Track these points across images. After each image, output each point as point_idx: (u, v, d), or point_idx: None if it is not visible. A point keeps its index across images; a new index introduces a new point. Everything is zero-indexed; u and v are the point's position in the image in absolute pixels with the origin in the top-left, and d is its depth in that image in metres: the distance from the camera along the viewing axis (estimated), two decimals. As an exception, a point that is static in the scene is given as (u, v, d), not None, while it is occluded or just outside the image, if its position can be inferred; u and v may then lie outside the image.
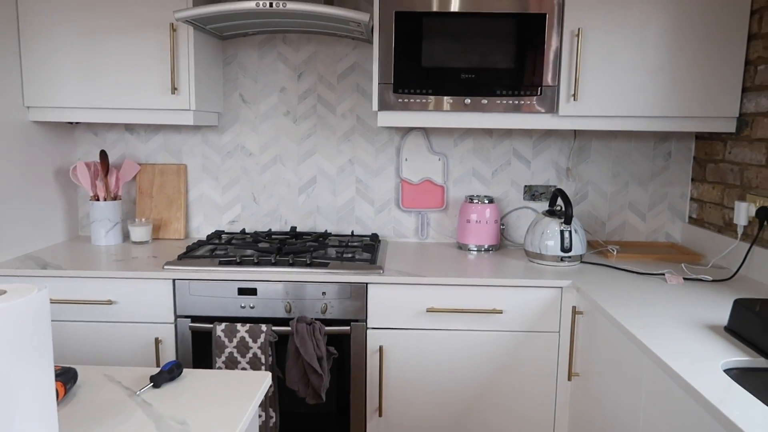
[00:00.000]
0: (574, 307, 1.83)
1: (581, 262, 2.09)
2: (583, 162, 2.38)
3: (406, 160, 2.40)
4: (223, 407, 1.02)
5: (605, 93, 1.99)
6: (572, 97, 1.99)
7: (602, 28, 1.96)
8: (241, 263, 1.92)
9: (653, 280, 1.86)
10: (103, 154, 2.30)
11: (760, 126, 1.91)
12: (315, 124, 2.40)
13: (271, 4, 1.88)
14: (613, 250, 2.17)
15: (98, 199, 2.28)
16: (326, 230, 2.45)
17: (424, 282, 1.86)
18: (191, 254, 2.02)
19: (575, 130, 2.36)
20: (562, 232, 2.02)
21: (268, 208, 2.45)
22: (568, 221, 2.02)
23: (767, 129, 1.88)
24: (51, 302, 1.90)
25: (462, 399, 1.92)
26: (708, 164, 2.23)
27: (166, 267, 1.90)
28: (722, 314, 1.53)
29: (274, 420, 1.86)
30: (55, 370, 1.06)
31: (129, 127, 2.43)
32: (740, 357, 1.24)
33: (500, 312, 1.86)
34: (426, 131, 2.39)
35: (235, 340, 1.84)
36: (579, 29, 1.94)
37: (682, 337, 1.36)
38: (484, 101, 2.00)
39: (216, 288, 1.89)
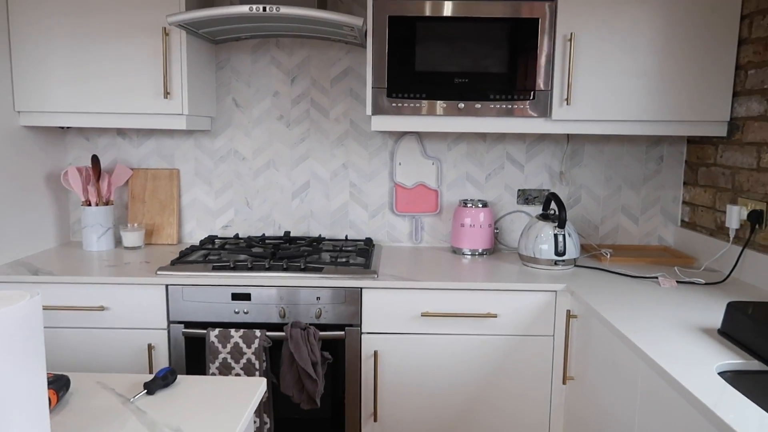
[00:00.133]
0: (568, 311, 1.83)
1: (575, 265, 2.09)
2: (576, 166, 2.39)
3: (400, 164, 2.40)
4: (218, 414, 1.01)
5: (598, 97, 2.00)
6: (565, 102, 1.99)
7: (594, 33, 1.97)
8: (234, 268, 1.91)
9: (647, 284, 1.87)
10: (95, 159, 2.28)
11: (750, 130, 1.93)
12: (308, 129, 2.40)
13: (264, 9, 1.88)
14: (607, 254, 2.18)
15: (90, 205, 2.26)
16: (320, 235, 2.44)
17: (418, 286, 1.86)
18: (184, 259, 2.01)
19: (568, 135, 2.36)
20: (555, 235, 2.02)
21: (261, 212, 2.45)
22: (561, 225, 2.03)
23: (758, 133, 1.89)
24: (43, 309, 1.88)
25: (457, 403, 1.92)
26: (700, 168, 2.25)
27: (158, 272, 1.89)
28: (715, 317, 1.54)
29: (268, 426, 1.85)
30: (48, 378, 1.05)
31: (121, 132, 2.42)
32: (734, 360, 1.25)
33: (495, 316, 1.86)
34: (420, 135, 2.39)
35: (228, 346, 1.83)
36: (571, 34, 1.95)
37: (676, 340, 1.37)
38: (478, 105, 2.00)
39: (209, 293, 1.88)
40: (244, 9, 1.88)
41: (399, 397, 1.92)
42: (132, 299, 1.88)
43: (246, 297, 1.88)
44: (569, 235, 2.04)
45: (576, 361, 1.81)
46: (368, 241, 2.35)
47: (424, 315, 1.86)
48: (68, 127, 2.38)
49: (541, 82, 2.00)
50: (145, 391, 1.07)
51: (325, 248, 2.22)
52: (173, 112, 2.06)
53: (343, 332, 1.87)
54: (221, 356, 1.83)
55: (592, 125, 2.03)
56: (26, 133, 2.16)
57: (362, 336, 1.89)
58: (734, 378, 1.23)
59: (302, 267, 1.91)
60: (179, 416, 1.00)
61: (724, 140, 2.08)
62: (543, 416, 1.92)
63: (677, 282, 1.88)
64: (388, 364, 1.90)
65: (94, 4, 2.01)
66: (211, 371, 1.84)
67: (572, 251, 2.03)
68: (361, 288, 1.87)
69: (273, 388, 1.89)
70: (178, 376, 1.15)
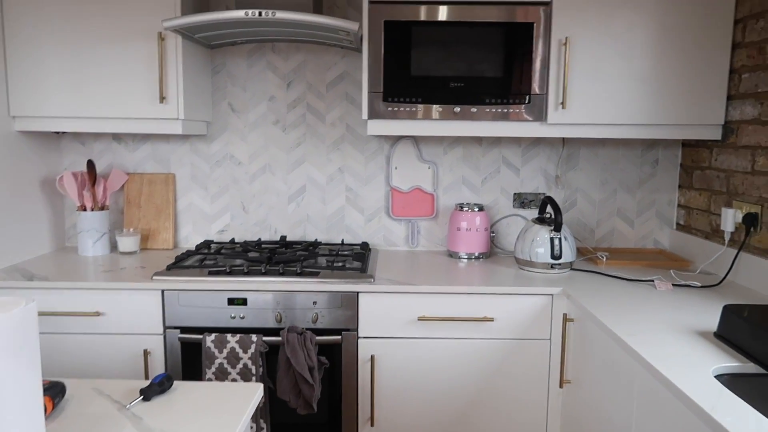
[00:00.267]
0: (564, 315, 1.83)
1: (571, 269, 2.10)
2: (572, 169, 2.40)
3: (396, 168, 2.40)
4: (214, 420, 1.01)
5: (593, 101, 2.00)
6: (560, 105, 2.00)
7: (589, 37, 1.98)
8: (230, 273, 1.91)
9: (643, 287, 1.87)
10: (90, 164, 2.28)
11: (745, 133, 1.94)
12: (304, 133, 2.40)
13: (260, 13, 1.88)
14: (603, 257, 2.18)
15: (85, 210, 2.25)
16: (316, 239, 2.44)
17: (415, 290, 1.86)
18: (180, 264, 2.00)
19: (563, 138, 2.37)
20: (552, 239, 2.03)
21: (257, 217, 2.44)
22: (557, 229, 2.03)
23: (752, 136, 1.90)
24: (38, 315, 1.87)
25: (454, 407, 1.92)
26: (695, 171, 2.26)
27: (154, 277, 1.89)
28: (711, 320, 1.54)
29: (264, 431, 1.84)
30: (43, 385, 1.04)
31: (116, 137, 2.41)
32: (730, 363, 1.25)
33: (491, 320, 1.86)
34: (415, 139, 2.39)
35: (225, 351, 1.82)
36: (566, 38, 1.96)
37: (672, 343, 1.37)
38: (473, 109, 2.01)
39: (205, 298, 1.88)
40: (239, 14, 1.88)
41: (396, 401, 1.92)
42: (128, 304, 1.88)
43: (242, 302, 1.88)
44: (565, 238, 2.04)
45: (573, 365, 1.81)
46: (365, 246, 2.35)
47: (420, 319, 1.86)
48: (63, 132, 2.37)
49: (536, 86, 2.00)
50: (141, 397, 1.07)
51: (321, 252, 2.21)
52: (169, 116, 2.06)
53: (339, 337, 1.87)
54: (217, 361, 1.83)
55: (588, 129, 2.03)
56: (21, 138, 2.15)
57: (359, 340, 1.89)
58: (731, 381, 1.23)
59: (298, 271, 1.91)
60: (175, 422, 0.99)
61: (719, 144, 2.09)
62: (540, 420, 1.92)
63: (673, 285, 1.88)
64: (384, 369, 1.90)
65: (90, 9, 2.01)
66: (207, 376, 1.84)
67: (568, 255, 2.04)
68: (357, 292, 1.87)
69: (269, 393, 1.89)
70: (175, 382, 1.15)
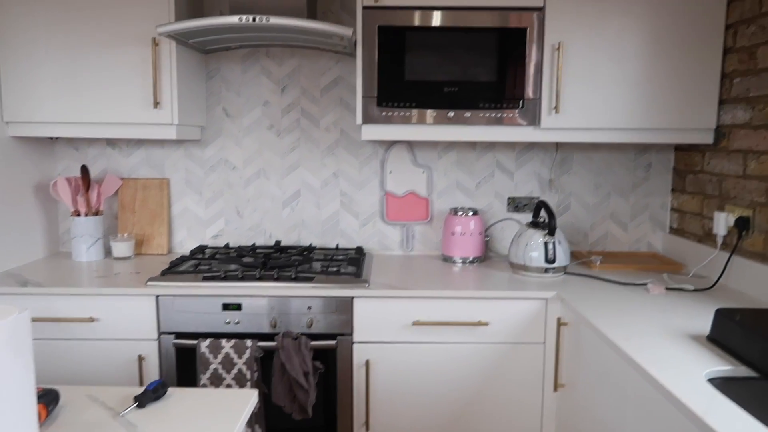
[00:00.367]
0: (558, 319, 1.84)
1: (565, 273, 2.10)
2: (566, 173, 2.41)
3: (391, 172, 2.40)
4: (209, 426, 1.00)
5: (586, 106, 2.02)
6: (554, 110, 2.01)
7: (582, 42, 1.99)
8: (225, 278, 1.91)
9: (636, 290, 1.88)
10: (84, 169, 2.27)
11: (736, 137, 1.95)
12: (299, 138, 2.40)
13: (254, 19, 1.88)
14: (596, 261, 2.19)
15: (79, 215, 2.25)
16: (311, 244, 2.44)
17: (409, 295, 1.86)
18: (175, 270, 2.00)
19: (557, 142, 2.38)
20: (546, 243, 2.04)
21: (252, 222, 2.44)
22: (551, 233, 2.04)
23: (744, 140, 1.92)
24: (32, 320, 1.87)
25: (449, 412, 1.92)
26: (687, 175, 2.27)
27: (149, 283, 1.88)
28: (704, 324, 1.55)
29: (259, 437, 1.84)
30: (37, 392, 1.04)
31: (110, 142, 2.41)
32: (723, 366, 1.26)
33: (486, 324, 1.86)
34: (410, 144, 2.40)
35: (219, 357, 1.82)
36: (559, 43, 1.97)
37: (665, 347, 1.38)
38: (467, 114, 2.02)
39: (200, 304, 1.87)
40: (234, 19, 1.88)
41: (391, 405, 1.92)
42: (122, 310, 1.87)
43: (237, 307, 1.87)
44: (559, 242, 2.05)
45: (567, 369, 1.82)
46: (359, 250, 2.35)
47: (415, 324, 1.86)
48: (57, 138, 2.37)
49: (529, 91, 2.01)
50: (136, 404, 1.07)
51: (316, 257, 2.21)
52: (163, 122, 2.06)
53: (334, 341, 1.87)
54: (212, 367, 1.82)
55: (581, 133, 2.05)
56: (15, 143, 2.15)
57: (354, 345, 1.89)
58: (723, 384, 1.24)
59: (293, 276, 1.91)
60: (170, 430, 0.99)
61: (711, 148, 2.10)
62: (534, 424, 1.93)
63: (666, 288, 1.89)
64: (379, 373, 1.90)
65: (83, 15, 2.01)
66: (201, 382, 1.83)
67: (562, 259, 2.04)
68: (352, 297, 1.87)
69: (264, 399, 1.89)
70: (169, 389, 1.15)
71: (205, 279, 1.90)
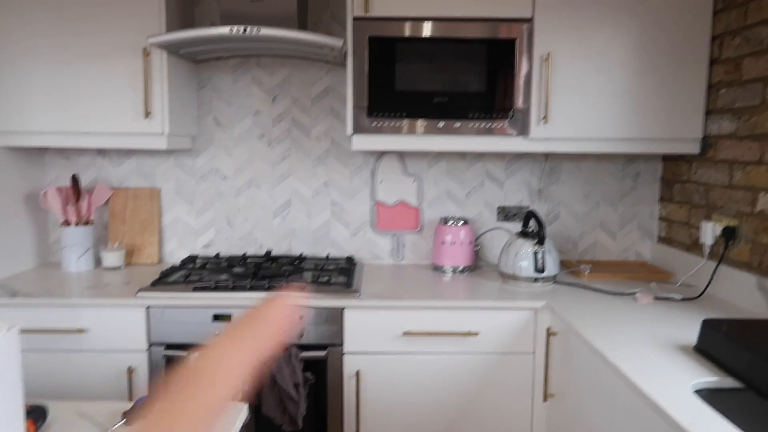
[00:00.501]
0: (548, 328, 1.85)
1: (555, 282, 2.12)
2: (555, 183, 2.42)
3: (381, 182, 2.41)
4: (197, 442, 1.00)
5: (574, 116, 2.03)
6: (543, 120, 2.03)
7: (570, 53, 2.01)
8: (215, 289, 1.90)
9: (625, 300, 1.90)
10: (75, 179, 2.27)
11: (722, 148, 1.98)
12: (289, 147, 2.41)
13: (244, 30, 1.89)
14: (586, 270, 2.20)
15: (69, 225, 2.24)
16: (301, 253, 2.44)
17: (400, 305, 1.87)
18: (165, 280, 2.00)
19: (546, 152, 2.40)
20: (535, 253, 2.05)
21: (242, 231, 2.44)
22: (541, 242, 2.05)
23: (730, 151, 1.94)
24: (20, 332, 1.86)
25: (439, 422, 1.92)
26: (675, 184, 2.29)
27: (139, 294, 1.88)
28: (692, 334, 1.56)
29: (250, 448, 1.84)
30: (25, 408, 1.04)
31: (101, 151, 2.40)
32: (710, 378, 1.27)
33: (476, 334, 1.87)
34: (400, 153, 2.41)
35: (210, 368, 1.81)
36: (548, 54, 1.99)
37: (653, 357, 1.39)
38: (457, 124, 2.03)
39: (191, 314, 1.87)
40: (224, 30, 1.89)
41: (381, 416, 1.92)
42: (112, 321, 1.87)
43: (227, 317, 1.87)
44: (548, 252, 2.06)
45: (556, 378, 1.83)
46: (350, 260, 2.36)
47: (406, 334, 1.87)
48: (47, 147, 2.36)
49: (519, 101, 2.03)
50: (124, 420, 1.06)
51: (306, 267, 2.22)
52: (154, 131, 2.06)
53: (325, 352, 1.87)
54: (202, 378, 1.82)
55: (569, 143, 2.06)
56: (5, 153, 2.14)
57: (344, 356, 1.89)
58: (710, 396, 1.25)
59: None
60: (158, 445, 0.99)
61: (698, 157, 2.13)
62: (525, 433, 1.93)
63: (654, 298, 1.91)
64: (370, 384, 1.90)
65: (74, 25, 2.01)
66: (192, 393, 1.83)
67: (552, 268, 2.06)
68: (342, 308, 1.88)
69: (254, 410, 1.88)
70: (158, 403, 1.14)
71: (196, 289, 1.90)
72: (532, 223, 2.15)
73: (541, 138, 2.05)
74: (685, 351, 1.43)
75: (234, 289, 1.90)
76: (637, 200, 2.43)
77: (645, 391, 1.20)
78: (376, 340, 1.88)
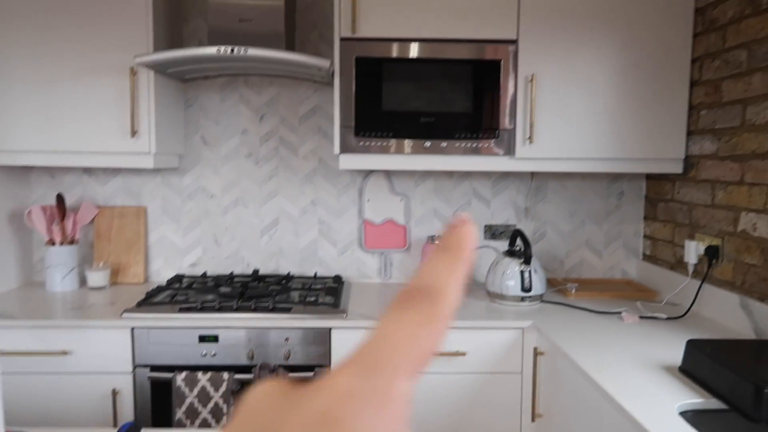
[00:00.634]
0: (535, 348, 1.86)
1: (541, 301, 2.13)
2: (541, 201, 2.45)
3: (369, 200, 2.42)
4: (182, 471, 0.99)
5: (559, 136, 2.06)
6: (528, 140, 2.05)
7: (554, 74, 2.04)
8: (202, 309, 1.89)
9: (611, 319, 1.91)
10: (60, 198, 2.25)
11: (704, 168, 2.01)
12: (277, 166, 2.41)
13: (232, 50, 1.90)
14: (572, 288, 2.22)
15: (54, 244, 2.22)
16: (289, 272, 2.43)
17: (387, 325, 1.86)
18: (150, 300, 1.98)
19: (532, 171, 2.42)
20: (522, 272, 2.06)
21: (229, 250, 2.43)
22: (527, 261, 2.07)
23: (711, 171, 1.97)
24: (2, 355, 1.83)
25: (427, 442, 1.92)
26: (659, 203, 2.32)
27: (124, 315, 1.86)
28: (677, 354, 1.57)
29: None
30: (5, 437, 1.02)
31: (87, 170, 2.39)
32: (694, 399, 1.28)
33: (464, 354, 1.87)
34: (387, 172, 2.42)
35: (195, 390, 1.80)
36: (532, 75, 2.02)
37: (639, 378, 1.40)
38: (444, 144, 2.04)
39: (176, 336, 1.86)
40: (212, 50, 1.90)
41: (369, 437, 1.90)
42: (96, 343, 1.85)
43: (213, 339, 1.86)
44: (535, 271, 2.07)
45: (544, 398, 1.83)
46: (337, 279, 2.35)
47: (393, 354, 1.86)
48: (33, 166, 2.34)
49: (505, 121, 2.05)
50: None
51: (294, 286, 2.21)
52: (140, 150, 2.05)
53: (312, 373, 1.86)
54: (188, 401, 1.80)
55: (554, 163, 2.09)
56: (-12, 172, 2.12)
57: (332, 376, 1.88)
58: (695, 417, 1.26)
59: (270, 307, 1.90)
60: (142, 474, 0.98)
61: (681, 177, 2.16)
62: (513, 453, 1.93)
63: (640, 317, 1.92)
64: (358, 404, 1.89)
65: (61, 44, 2.01)
66: (177, 416, 1.81)
67: (538, 287, 2.07)
68: (330, 328, 1.87)
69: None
70: (143, 430, 1.13)
71: (182, 310, 1.89)
72: (518, 241, 2.16)
73: (526, 157, 2.07)
74: (671, 371, 1.45)
75: (220, 309, 1.89)
76: (622, 219, 2.45)
77: (630, 412, 1.21)
78: (363, 360, 1.87)
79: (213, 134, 2.39)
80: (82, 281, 2.35)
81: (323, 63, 1.93)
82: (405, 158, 2.06)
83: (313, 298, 2.03)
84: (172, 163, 2.29)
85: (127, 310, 1.88)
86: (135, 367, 1.86)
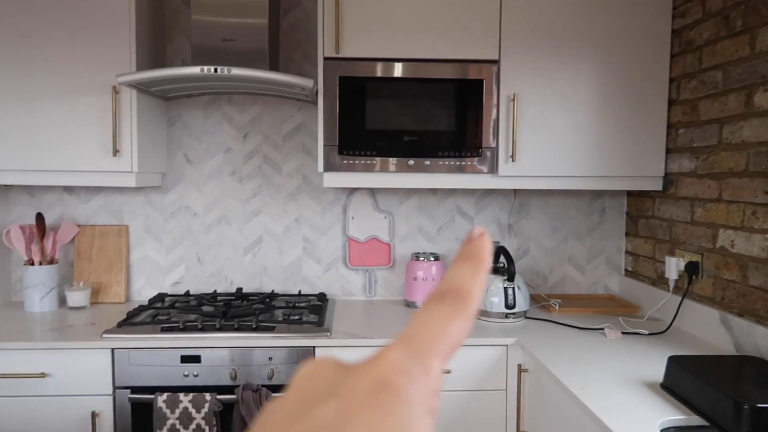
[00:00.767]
0: (519, 365, 1.86)
1: (525, 317, 2.13)
2: (524, 218, 2.46)
3: (353, 218, 2.42)
4: (162, 497, 0.98)
5: (541, 154, 2.08)
6: (510, 158, 2.07)
7: (536, 93, 2.07)
8: (184, 329, 1.87)
9: (594, 335, 1.92)
10: (40, 217, 2.22)
11: (683, 185, 2.04)
12: (261, 184, 2.41)
13: (215, 70, 1.90)
14: (556, 305, 2.23)
15: (33, 264, 2.19)
16: (273, 290, 2.42)
17: (371, 344, 1.86)
18: (132, 321, 1.96)
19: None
20: (505, 289, 2.07)
21: (213, 268, 2.41)
22: (511, 278, 2.08)
23: (690, 188, 2.00)
24: (-23, 377, 1.80)
25: (412, 462, 1.90)
26: (640, 220, 2.35)
27: (104, 335, 1.84)
28: (659, 370, 1.58)
29: (218, 494, 1.79)
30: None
31: (68, 188, 2.37)
32: (676, 416, 1.29)
33: (448, 371, 1.87)
34: (372, 190, 2.43)
35: (177, 411, 1.77)
36: (514, 94, 2.05)
37: (621, 395, 1.41)
38: (427, 162, 2.06)
39: (158, 356, 1.83)
40: (195, 70, 1.90)
41: (354, 457, 1.89)
42: (75, 364, 1.82)
43: (196, 359, 1.84)
44: (518, 287, 2.08)
45: (529, 415, 1.83)
46: (322, 296, 2.34)
47: (377, 373, 1.85)
48: (11, 184, 2.32)
49: (487, 140, 2.07)
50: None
51: (277, 305, 2.19)
52: (122, 169, 2.04)
53: (296, 393, 1.84)
54: (169, 422, 1.77)
55: (537, 181, 2.11)
56: (-34, 192, 2.09)
57: (316, 396, 1.86)
58: (676, 434, 1.27)
59: (254, 326, 1.89)
60: (121, 501, 0.96)
61: (661, 194, 2.19)
62: (498, 471, 1.92)
63: (622, 333, 1.94)
64: (342, 424, 1.87)
65: (41, 62, 1.99)
66: (158, 439, 1.78)
67: (522, 304, 2.08)
68: (314, 347, 1.86)
69: (224, 454, 1.84)
70: (122, 455, 1.11)
71: (164, 330, 1.86)
72: (502, 258, 2.17)
73: (509, 175, 2.08)
74: (652, 388, 1.46)
75: (203, 329, 1.87)
76: (604, 235, 2.48)
77: (613, 430, 1.21)
78: (347, 379, 1.86)
79: (196, 152, 2.39)
80: (62, 301, 2.31)
81: (307, 82, 1.94)
82: (389, 176, 2.07)
83: (297, 317, 2.02)
84: (154, 181, 2.27)
85: (107, 331, 1.85)
86: (115, 388, 1.83)
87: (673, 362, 1.43)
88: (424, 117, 2.05)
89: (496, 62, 2.06)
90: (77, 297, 2.21)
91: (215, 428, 1.78)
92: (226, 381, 1.84)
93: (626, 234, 2.47)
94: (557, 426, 1.58)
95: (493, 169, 2.08)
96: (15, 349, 1.80)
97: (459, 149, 2.06)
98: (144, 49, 2.10)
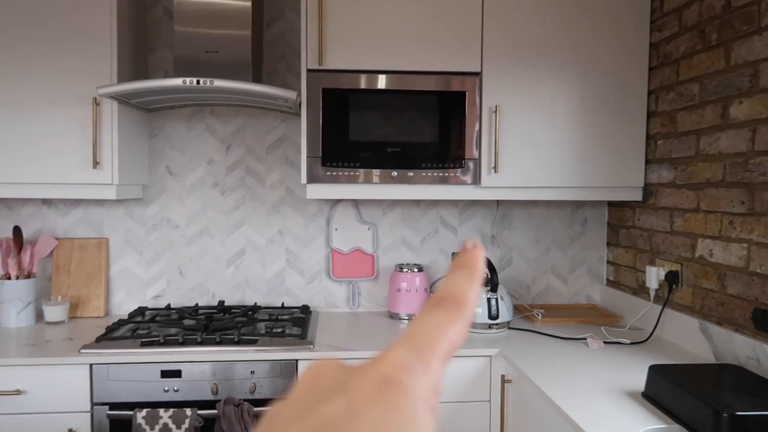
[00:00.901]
0: (502, 376, 1.86)
1: (509, 328, 2.14)
2: (507, 229, 2.48)
3: (336, 229, 2.41)
4: None
5: (523, 165, 2.10)
6: (493, 170, 2.08)
7: (518, 105, 2.09)
8: (164, 344, 1.84)
9: (576, 345, 1.93)
10: (17, 230, 2.19)
11: (663, 196, 2.07)
12: (243, 196, 2.39)
13: (198, 82, 1.89)
14: (539, 315, 2.24)
15: (9, 278, 2.15)
16: (255, 303, 2.40)
17: (354, 357, 1.84)
18: (111, 335, 1.92)
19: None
20: (489, 299, 2.07)
21: (194, 281, 2.39)
22: (494, 289, 2.08)
23: (669, 199, 2.03)
24: (-49, 395, 1.75)
25: (396, 475, 1.88)
26: (620, 230, 2.38)
27: (82, 351, 1.80)
28: (640, 379, 1.59)
29: None
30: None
31: (47, 201, 2.33)
32: (657, 425, 1.30)
33: (432, 383, 1.86)
34: (355, 201, 2.43)
35: (157, 428, 1.74)
36: (496, 106, 2.06)
37: (603, 404, 1.41)
38: (410, 173, 2.06)
39: (137, 371, 1.80)
40: (177, 82, 1.89)
41: (337, 471, 1.87)
42: (53, 381, 1.78)
43: (176, 374, 1.81)
44: (502, 298, 2.09)
45: (512, 426, 1.83)
46: (305, 309, 2.33)
47: (361, 385, 1.84)
48: (-12, 197, 2.28)
49: (470, 151, 2.08)
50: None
51: (260, 318, 2.17)
52: (103, 182, 2.02)
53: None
54: (149, 438, 1.74)
55: (519, 192, 2.12)
56: (-59, 204, 2.05)
57: (299, 409, 1.84)
58: (658, 443, 1.28)
59: (236, 340, 1.87)
60: None
61: (641, 204, 2.22)
62: (483, 483, 1.91)
63: (604, 342, 1.95)
64: (325, 438, 1.86)
65: (20, 74, 1.97)
66: (138, 455, 1.75)
67: (505, 314, 2.08)
68: (297, 360, 1.84)
69: (205, 470, 1.81)
70: (99, 472, 1.09)
71: (143, 345, 1.84)
72: (485, 269, 2.18)
73: (492, 186, 2.10)
74: (634, 397, 1.46)
75: (184, 343, 1.85)
76: (586, 245, 2.50)
77: (596, 440, 1.22)
78: (331, 392, 1.85)
79: (178, 164, 2.37)
80: (39, 316, 2.27)
81: (290, 94, 1.94)
82: (372, 188, 2.07)
83: (279, 329, 2.00)
84: (135, 193, 2.25)
85: (85, 346, 1.82)
86: (93, 405, 1.80)
87: (654, 371, 1.44)
88: (408, 128, 2.06)
89: (478, 74, 2.08)
90: (55, 312, 2.17)
91: (196, 444, 1.75)
92: (208, 396, 1.82)
93: (607, 244, 2.49)
94: (541, 437, 1.58)
95: (476, 180, 2.09)
96: (-10, 365, 1.76)
97: (442, 160, 2.07)
98: (126, 61, 2.09)
